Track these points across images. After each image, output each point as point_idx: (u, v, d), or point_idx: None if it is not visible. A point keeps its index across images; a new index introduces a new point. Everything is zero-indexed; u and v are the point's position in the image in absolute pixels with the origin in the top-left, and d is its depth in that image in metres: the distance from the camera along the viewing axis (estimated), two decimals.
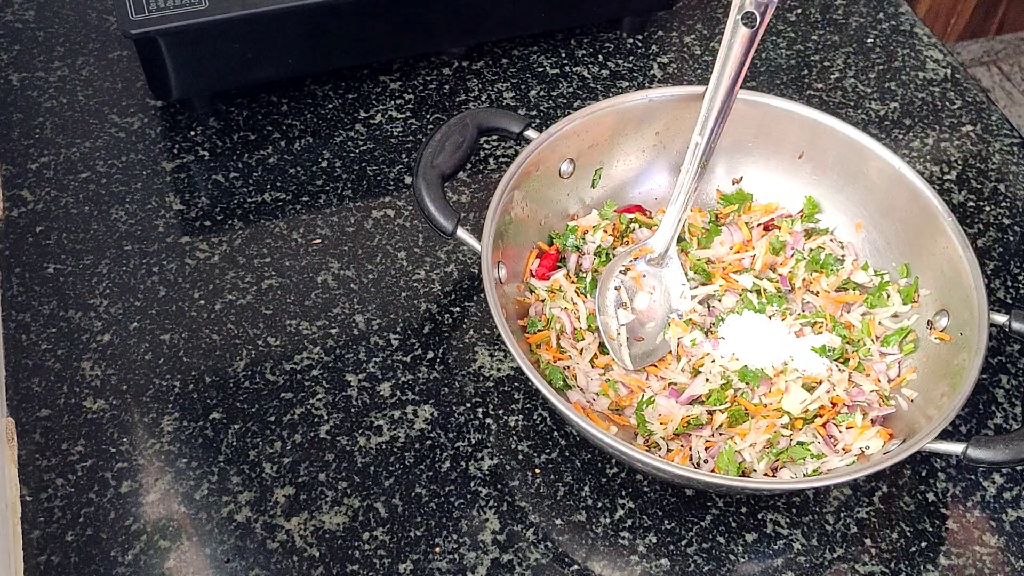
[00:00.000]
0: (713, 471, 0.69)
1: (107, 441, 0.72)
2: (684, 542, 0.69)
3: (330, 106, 0.93)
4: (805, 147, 0.82)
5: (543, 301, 0.77)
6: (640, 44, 1.00)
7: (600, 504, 0.71)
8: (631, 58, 0.99)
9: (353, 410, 0.74)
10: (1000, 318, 0.71)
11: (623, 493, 0.71)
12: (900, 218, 0.78)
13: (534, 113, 0.94)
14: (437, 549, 0.68)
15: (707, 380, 0.73)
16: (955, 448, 0.65)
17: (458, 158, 0.75)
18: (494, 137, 0.89)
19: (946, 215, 0.74)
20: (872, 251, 0.81)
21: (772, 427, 0.71)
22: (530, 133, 0.78)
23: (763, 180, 0.84)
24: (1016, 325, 0.71)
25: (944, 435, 0.65)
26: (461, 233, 0.72)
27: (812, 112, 0.80)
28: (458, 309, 0.80)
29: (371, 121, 0.92)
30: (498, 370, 0.77)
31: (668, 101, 0.81)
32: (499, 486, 0.71)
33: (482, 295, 0.81)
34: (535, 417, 0.75)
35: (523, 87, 0.96)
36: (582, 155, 0.81)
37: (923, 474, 0.74)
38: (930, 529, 0.71)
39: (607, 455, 0.73)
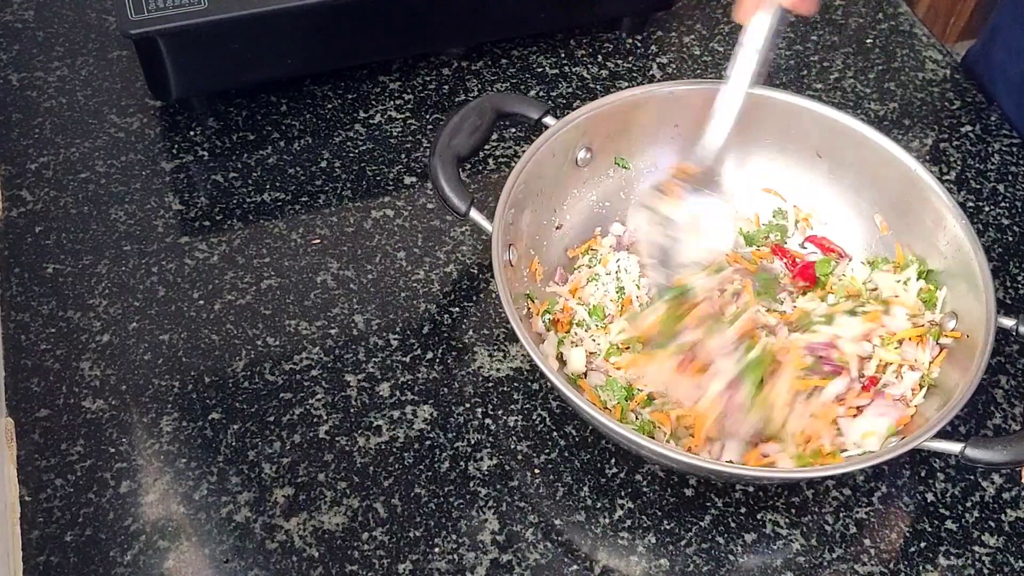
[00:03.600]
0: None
1: (106, 441, 0.72)
2: (683, 542, 0.69)
3: (329, 106, 0.93)
4: (821, 145, 0.81)
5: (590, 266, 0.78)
6: (639, 44, 1.00)
7: (599, 504, 0.71)
8: (630, 58, 0.99)
9: (352, 410, 0.74)
10: (1007, 322, 0.71)
11: (622, 493, 0.71)
12: (915, 220, 0.78)
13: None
14: (436, 549, 0.68)
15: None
16: (953, 447, 0.65)
17: (475, 140, 0.75)
18: (494, 137, 0.89)
19: (959, 217, 0.74)
20: (890, 253, 0.80)
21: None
22: (548, 120, 0.78)
23: (781, 176, 0.84)
24: None
25: (943, 434, 0.65)
26: (474, 214, 0.73)
27: (829, 110, 0.80)
28: (457, 309, 0.80)
29: (370, 121, 0.92)
30: (497, 370, 0.77)
31: (690, 95, 0.80)
32: (498, 486, 0.71)
33: (481, 295, 0.81)
34: (534, 417, 0.75)
35: (522, 87, 0.96)
36: (600, 144, 0.80)
37: (922, 474, 0.74)
38: (929, 529, 0.71)
39: (607, 455, 0.73)
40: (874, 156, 0.79)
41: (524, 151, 0.76)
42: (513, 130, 0.92)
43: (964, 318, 0.73)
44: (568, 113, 0.78)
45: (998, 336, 0.71)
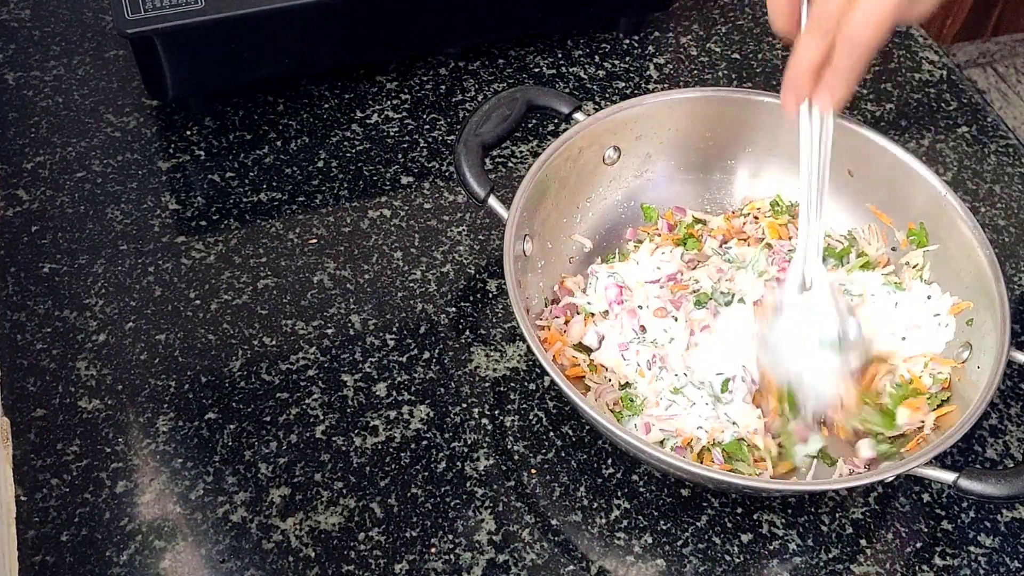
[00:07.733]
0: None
1: (102, 441, 0.71)
2: (680, 542, 0.70)
3: (326, 106, 0.93)
4: (854, 165, 0.79)
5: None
6: (636, 45, 1.00)
7: (596, 504, 0.71)
8: (627, 59, 0.99)
9: (349, 410, 0.74)
10: (1021, 356, 0.69)
11: (619, 494, 0.71)
12: (943, 247, 0.76)
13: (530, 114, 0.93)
14: (433, 550, 0.68)
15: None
16: (947, 476, 0.64)
17: (502, 130, 0.76)
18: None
19: (984, 247, 0.72)
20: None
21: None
22: (579, 115, 0.78)
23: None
24: None
25: (938, 459, 0.64)
26: (492, 202, 0.73)
27: (862, 128, 0.78)
28: (454, 309, 0.80)
29: (367, 121, 0.92)
30: (494, 370, 0.77)
31: (725, 102, 0.80)
32: (495, 486, 0.71)
33: (478, 295, 0.81)
34: (531, 418, 0.75)
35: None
36: (629, 145, 0.80)
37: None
38: (925, 530, 0.71)
39: (603, 455, 0.73)
40: (904, 178, 0.77)
41: (567, 131, 0.76)
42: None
43: (978, 351, 0.71)
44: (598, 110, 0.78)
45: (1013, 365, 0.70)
